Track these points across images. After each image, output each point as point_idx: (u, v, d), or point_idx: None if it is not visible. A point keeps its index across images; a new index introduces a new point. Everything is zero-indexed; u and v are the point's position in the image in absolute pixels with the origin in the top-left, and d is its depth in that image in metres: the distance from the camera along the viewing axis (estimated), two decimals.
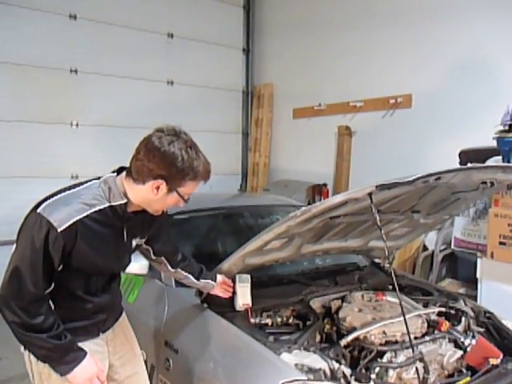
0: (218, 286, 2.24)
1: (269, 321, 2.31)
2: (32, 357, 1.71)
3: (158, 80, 6.57)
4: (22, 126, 5.48)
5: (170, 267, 2.12)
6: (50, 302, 1.65)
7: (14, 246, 1.62)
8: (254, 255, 2.30)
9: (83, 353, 1.69)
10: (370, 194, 1.81)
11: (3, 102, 5.37)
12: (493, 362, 2.06)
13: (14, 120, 5.44)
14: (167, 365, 2.23)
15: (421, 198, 2.27)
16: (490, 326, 2.43)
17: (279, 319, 2.34)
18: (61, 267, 1.61)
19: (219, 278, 2.25)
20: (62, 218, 1.54)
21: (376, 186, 1.75)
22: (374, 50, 5.71)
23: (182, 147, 1.58)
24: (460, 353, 2.19)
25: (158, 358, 2.30)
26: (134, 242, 1.88)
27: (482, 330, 2.40)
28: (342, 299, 2.52)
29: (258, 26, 7.58)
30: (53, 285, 1.63)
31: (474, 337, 2.28)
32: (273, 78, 7.35)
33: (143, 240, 1.94)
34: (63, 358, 1.64)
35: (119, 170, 1.73)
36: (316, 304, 2.48)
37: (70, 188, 1.67)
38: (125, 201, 1.66)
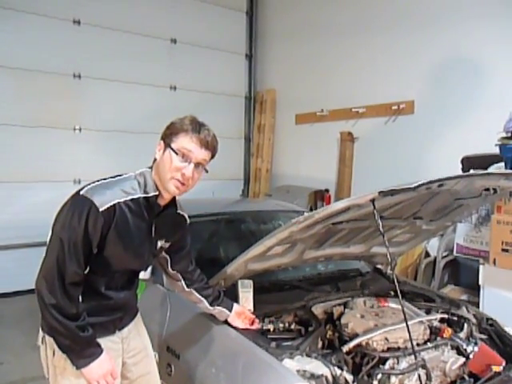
0: (234, 317, 2.20)
1: (271, 326, 2.30)
2: (48, 350, 1.77)
3: (160, 85, 6.60)
4: (25, 130, 5.51)
5: (184, 286, 2.12)
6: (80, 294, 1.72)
7: (50, 233, 1.69)
8: (256, 261, 2.30)
9: (100, 349, 1.75)
10: (372, 200, 1.81)
11: (6, 107, 5.40)
12: (495, 369, 2.05)
13: (17, 124, 5.46)
14: (169, 370, 2.23)
15: (423, 205, 2.27)
16: (492, 332, 2.42)
17: (281, 325, 2.34)
18: (95, 251, 1.68)
19: (237, 308, 2.22)
20: (104, 199, 1.64)
21: (379, 192, 1.76)
22: (377, 57, 5.73)
23: (187, 117, 1.77)
24: (462, 360, 2.18)
25: (160, 363, 2.29)
26: (160, 243, 1.94)
27: (484, 336, 2.39)
28: (345, 305, 2.52)
29: (260, 32, 7.61)
30: (88, 268, 1.70)
31: (476, 344, 2.27)
32: (275, 84, 7.38)
33: (167, 244, 1.99)
34: (83, 351, 1.71)
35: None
36: (318, 310, 2.47)
37: (107, 178, 1.78)
38: (156, 193, 1.77)
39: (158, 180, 1.76)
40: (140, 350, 2.04)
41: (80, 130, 5.95)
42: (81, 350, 1.70)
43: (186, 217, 2.00)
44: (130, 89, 6.26)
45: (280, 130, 7.33)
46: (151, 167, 1.82)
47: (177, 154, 1.71)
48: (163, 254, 2.03)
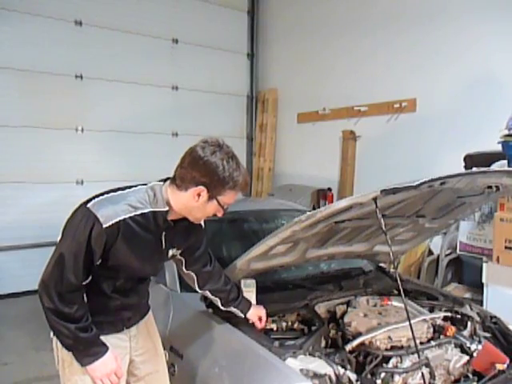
0: (250, 316, 2.22)
1: (274, 326, 2.31)
2: (59, 343, 1.79)
3: (162, 85, 6.60)
4: (27, 131, 5.52)
5: (196, 286, 2.14)
6: (84, 295, 1.73)
7: (60, 236, 1.70)
8: (258, 260, 2.30)
9: (105, 348, 1.77)
10: (374, 199, 1.81)
11: (9, 108, 5.41)
12: (499, 367, 2.04)
13: (20, 125, 5.48)
14: (172, 370, 2.24)
15: (426, 203, 2.26)
16: (496, 330, 2.41)
17: (284, 324, 2.34)
18: (99, 262, 1.69)
19: (253, 311, 2.22)
20: (109, 215, 1.63)
21: (381, 191, 1.75)
22: (378, 55, 5.71)
23: (224, 157, 1.68)
24: (466, 358, 2.17)
25: None
26: (171, 252, 1.94)
27: (488, 334, 2.39)
28: (347, 304, 2.52)
29: (262, 31, 7.61)
30: (90, 277, 1.72)
31: (480, 342, 2.26)
32: (277, 83, 7.37)
33: (179, 251, 1.99)
34: (86, 350, 1.73)
35: (166, 180, 1.81)
36: (321, 309, 2.47)
37: (118, 190, 1.76)
38: (166, 208, 1.75)
39: (182, 209, 1.76)
40: (149, 348, 2.06)
41: (82, 130, 5.95)
42: (84, 349, 1.73)
43: (202, 222, 1.98)
44: (132, 89, 6.26)
45: (282, 129, 7.32)
46: (163, 180, 1.81)
47: (222, 207, 1.75)
48: (178, 256, 2.03)
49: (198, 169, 1.67)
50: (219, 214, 1.79)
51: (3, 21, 5.33)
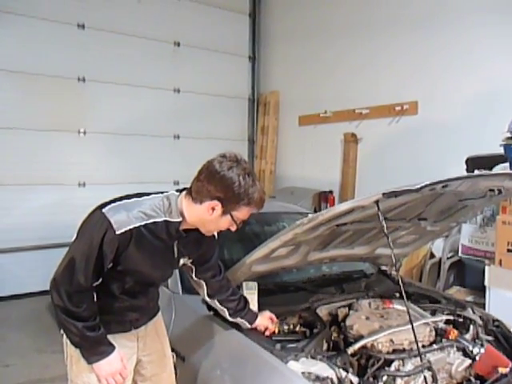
0: (257, 325, 2.22)
1: (275, 328, 2.30)
2: (68, 340, 1.81)
3: (164, 88, 6.62)
4: (29, 133, 5.53)
5: (205, 295, 2.14)
6: (94, 294, 1.75)
7: (74, 236, 1.73)
8: (260, 263, 2.30)
9: (112, 348, 1.79)
10: (376, 202, 1.81)
11: (12, 110, 5.42)
12: (502, 370, 2.04)
13: (22, 128, 5.49)
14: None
15: (428, 206, 2.26)
16: (498, 334, 2.41)
17: (286, 327, 2.33)
18: (110, 265, 1.71)
19: (260, 320, 2.22)
20: (122, 222, 1.66)
21: (383, 194, 1.75)
22: (380, 57, 5.72)
23: (240, 173, 1.68)
24: (468, 361, 2.16)
25: None
26: (182, 261, 1.95)
27: (490, 338, 2.38)
28: (349, 307, 2.51)
29: (263, 34, 7.62)
30: (100, 279, 1.74)
31: (482, 345, 2.25)
32: (278, 86, 7.38)
33: (190, 260, 2.01)
34: (93, 348, 1.76)
35: (182, 190, 1.82)
36: (323, 312, 2.47)
37: (135, 196, 1.78)
38: (180, 219, 1.76)
39: (196, 221, 1.77)
40: (157, 349, 2.07)
41: (85, 133, 5.96)
42: (90, 348, 1.76)
43: (215, 233, 1.99)
44: (134, 92, 6.28)
45: (283, 131, 7.33)
46: (179, 190, 1.82)
47: (235, 222, 1.75)
48: (188, 263, 2.04)
49: (213, 183, 1.67)
50: (232, 229, 1.80)
51: (9, 24, 5.35)
